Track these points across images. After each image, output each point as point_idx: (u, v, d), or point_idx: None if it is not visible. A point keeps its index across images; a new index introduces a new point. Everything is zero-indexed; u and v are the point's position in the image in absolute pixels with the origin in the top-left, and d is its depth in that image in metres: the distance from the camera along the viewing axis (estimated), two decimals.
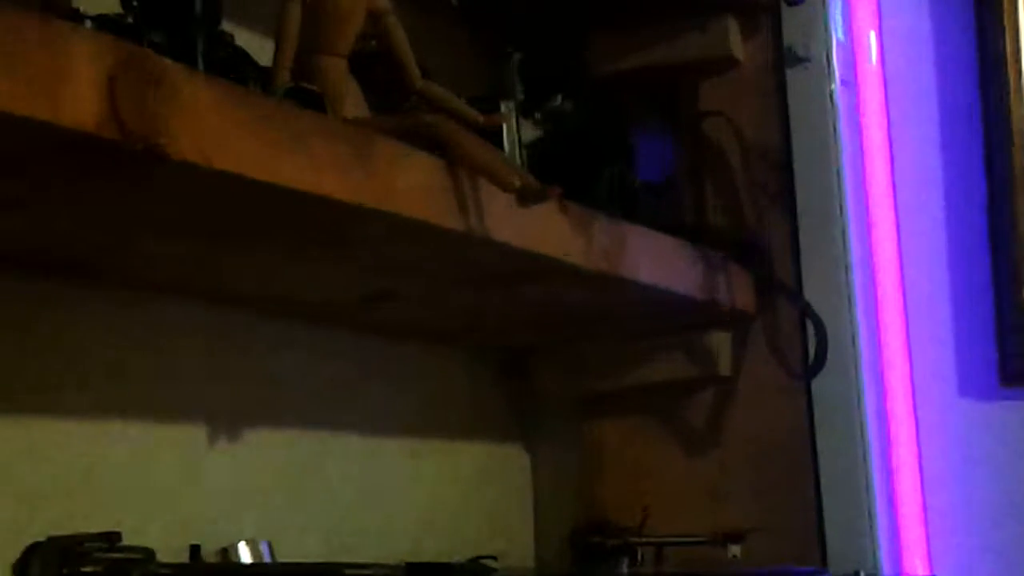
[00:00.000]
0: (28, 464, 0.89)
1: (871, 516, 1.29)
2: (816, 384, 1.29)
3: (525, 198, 0.87)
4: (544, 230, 0.96)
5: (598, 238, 1.03)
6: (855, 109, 1.38)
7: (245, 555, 1.00)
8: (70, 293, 0.91)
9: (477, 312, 1.18)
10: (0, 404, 0.88)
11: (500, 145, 1.05)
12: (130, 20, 0.75)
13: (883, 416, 1.36)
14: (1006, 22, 1.43)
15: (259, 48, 0.85)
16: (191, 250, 0.87)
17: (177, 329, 1.01)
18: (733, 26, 1.32)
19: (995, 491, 1.42)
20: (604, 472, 1.38)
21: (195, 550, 0.74)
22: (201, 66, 0.75)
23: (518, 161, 1.09)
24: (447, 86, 0.93)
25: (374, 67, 0.90)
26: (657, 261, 1.13)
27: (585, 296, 1.13)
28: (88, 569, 0.69)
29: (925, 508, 1.38)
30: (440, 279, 1.02)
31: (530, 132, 1.12)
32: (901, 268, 1.42)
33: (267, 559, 1.01)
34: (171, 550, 0.74)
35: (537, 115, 1.13)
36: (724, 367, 1.32)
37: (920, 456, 1.40)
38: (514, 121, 1.09)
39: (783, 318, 1.30)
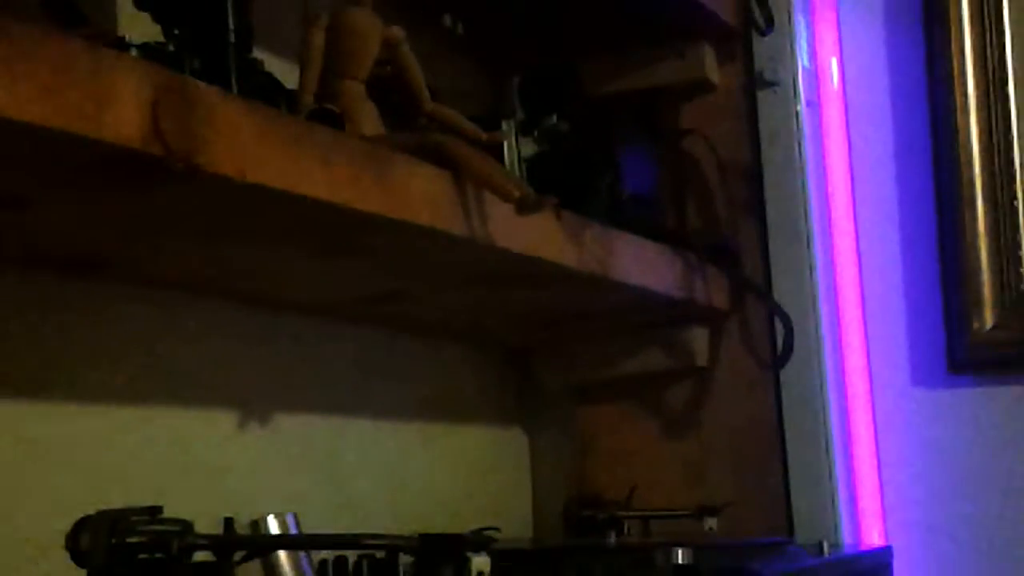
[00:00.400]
0: (82, 448, 0.89)
1: (833, 493, 1.29)
2: (784, 374, 1.29)
3: (524, 208, 0.87)
4: (541, 237, 0.96)
5: (590, 244, 1.02)
6: (819, 128, 1.38)
7: (274, 527, 1.00)
8: (106, 291, 0.91)
9: (480, 310, 1.18)
10: (55, 392, 0.88)
11: (501, 160, 1.05)
12: (171, 48, 0.75)
13: (844, 403, 1.36)
14: (953, 48, 1.43)
15: (287, 72, 0.85)
16: (222, 254, 0.87)
17: (210, 325, 1.01)
18: (709, 53, 1.32)
19: (944, 470, 1.42)
20: (595, 454, 1.38)
21: (228, 522, 0.73)
22: (235, 89, 0.75)
23: (518, 174, 1.09)
24: (453, 106, 0.93)
25: (389, 90, 0.90)
26: (642, 264, 1.13)
27: (578, 296, 1.13)
28: (133, 539, 0.68)
29: (881, 486, 1.39)
30: (446, 281, 1.02)
31: (529, 148, 1.12)
32: (860, 270, 1.42)
33: (293, 530, 1.01)
34: (207, 522, 0.74)
35: (535, 133, 1.13)
36: (702, 359, 1.32)
37: (877, 439, 1.40)
38: (514, 138, 1.09)
39: (754, 315, 1.31)
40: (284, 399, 1.09)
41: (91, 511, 0.70)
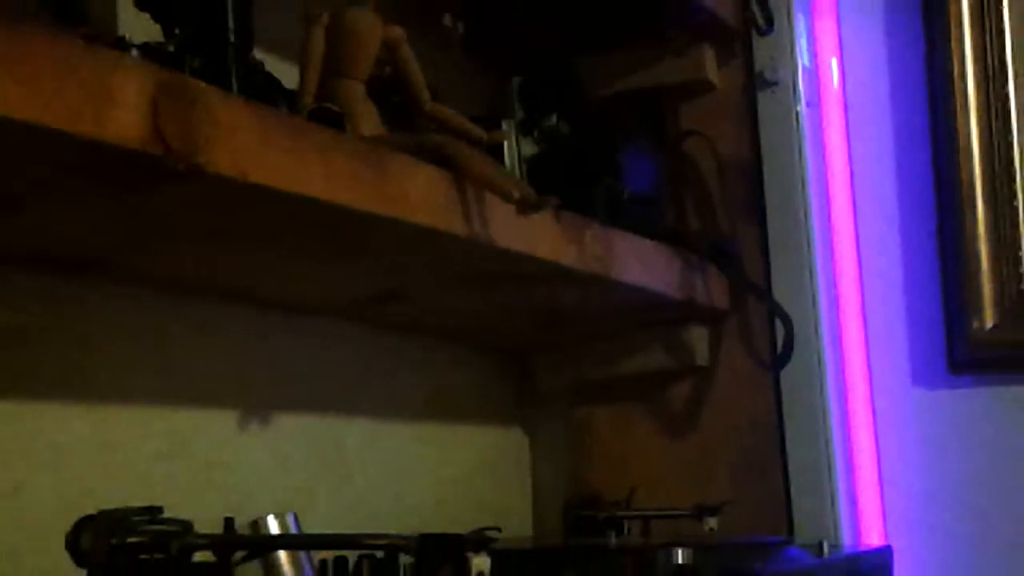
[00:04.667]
0: (81, 449, 0.89)
1: (833, 493, 1.29)
2: (784, 374, 1.29)
3: (524, 208, 0.87)
4: (541, 237, 0.96)
5: (590, 244, 1.03)
6: (819, 128, 1.38)
7: (274, 527, 1.00)
8: (108, 291, 0.92)
9: (480, 310, 1.18)
10: (54, 392, 0.88)
11: (502, 160, 1.05)
12: (171, 48, 0.75)
13: (844, 403, 1.36)
14: (953, 48, 1.43)
15: (287, 73, 0.85)
16: (222, 253, 0.87)
17: (210, 325, 1.01)
18: (709, 53, 1.32)
19: (944, 470, 1.42)
20: (595, 454, 1.38)
21: (229, 522, 0.73)
22: (235, 89, 0.75)
23: (518, 175, 1.09)
24: (453, 106, 0.93)
25: (389, 90, 0.90)
26: (642, 264, 1.13)
27: (578, 296, 1.13)
28: (133, 539, 0.69)
29: (882, 486, 1.38)
30: (446, 281, 1.02)
31: (529, 148, 1.12)
32: (859, 270, 1.42)
33: (293, 530, 1.01)
34: (207, 522, 0.74)
35: (535, 133, 1.13)
36: (702, 359, 1.32)
37: (877, 439, 1.40)
38: (514, 138, 1.09)
39: (754, 315, 1.30)
40: (284, 399, 1.09)
41: (91, 511, 0.70)
